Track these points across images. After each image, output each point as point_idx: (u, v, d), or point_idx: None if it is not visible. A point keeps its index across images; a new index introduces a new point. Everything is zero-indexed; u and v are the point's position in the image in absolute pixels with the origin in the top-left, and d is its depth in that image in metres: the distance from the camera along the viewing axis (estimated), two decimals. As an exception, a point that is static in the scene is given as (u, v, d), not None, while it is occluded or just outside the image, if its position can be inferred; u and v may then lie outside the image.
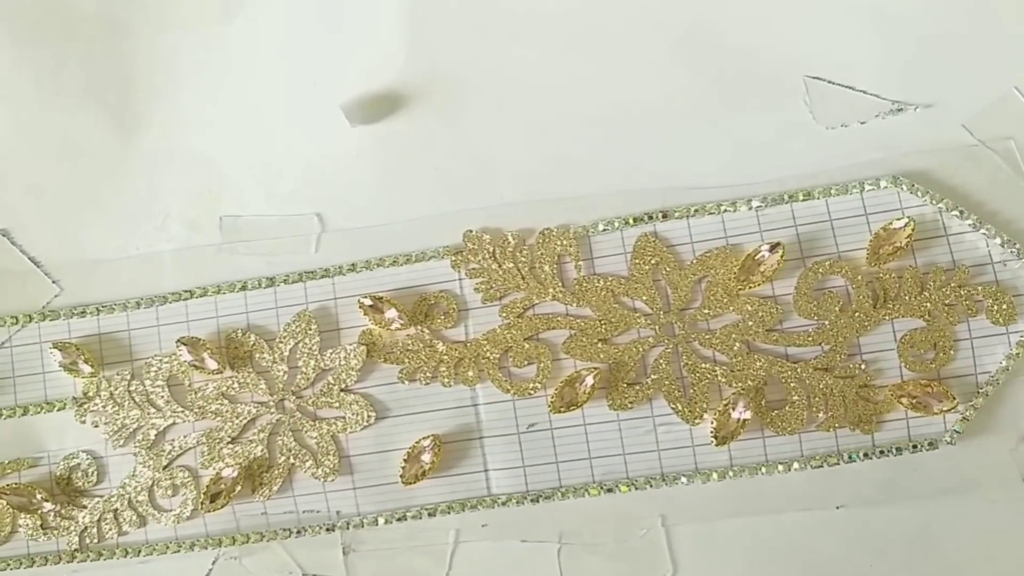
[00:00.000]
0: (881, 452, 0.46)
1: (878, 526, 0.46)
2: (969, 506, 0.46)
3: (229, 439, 0.49)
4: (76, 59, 0.53)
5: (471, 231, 0.49)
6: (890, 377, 0.47)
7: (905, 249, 0.46)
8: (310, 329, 0.49)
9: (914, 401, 0.45)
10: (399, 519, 0.48)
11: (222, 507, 0.48)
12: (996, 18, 0.48)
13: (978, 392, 0.46)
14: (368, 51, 0.52)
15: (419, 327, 0.49)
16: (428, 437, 0.48)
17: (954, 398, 0.45)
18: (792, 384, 0.47)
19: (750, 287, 0.47)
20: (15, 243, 0.52)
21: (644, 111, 0.50)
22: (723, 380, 0.47)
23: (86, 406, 0.50)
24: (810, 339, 0.47)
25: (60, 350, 0.50)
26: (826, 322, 0.47)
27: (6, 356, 0.51)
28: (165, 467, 0.49)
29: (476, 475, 0.48)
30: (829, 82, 0.49)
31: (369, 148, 0.51)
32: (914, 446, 0.46)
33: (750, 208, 0.48)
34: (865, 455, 0.46)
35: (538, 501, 0.48)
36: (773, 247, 0.46)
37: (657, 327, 0.48)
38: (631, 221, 0.49)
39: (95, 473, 0.50)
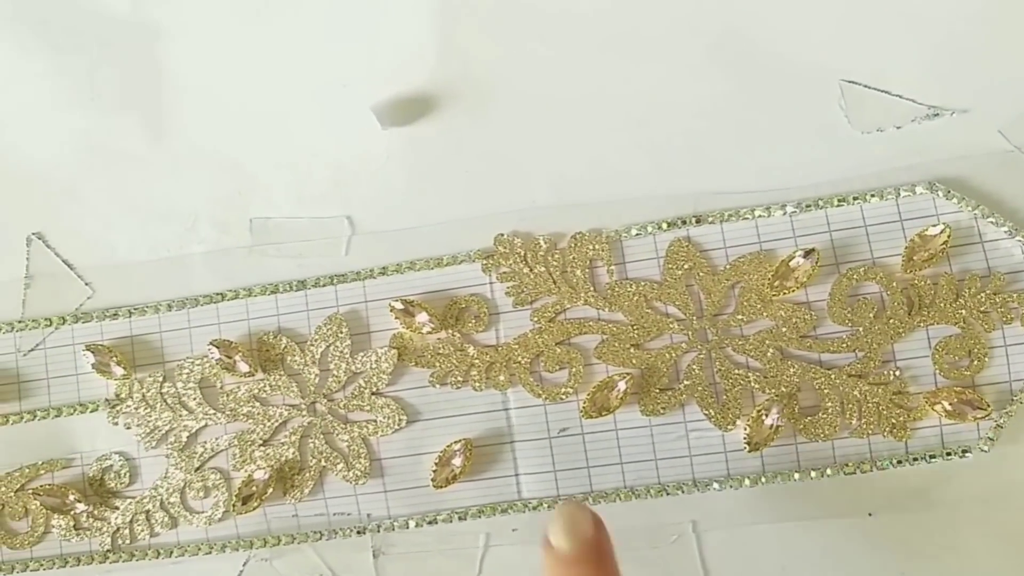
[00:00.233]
0: (914, 459, 0.46)
1: (910, 533, 0.46)
2: (1002, 514, 0.46)
3: (261, 441, 0.49)
4: (110, 64, 0.53)
5: (502, 235, 0.49)
6: (924, 384, 0.46)
7: (940, 256, 0.46)
8: (341, 332, 0.49)
9: (949, 408, 0.45)
10: (430, 522, 0.48)
11: (254, 509, 0.48)
12: (1033, 23, 0.48)
13: (1012, 399, 0.46)
14: (399, 53, 0.51)
15: (450, 331, 0.49)
16: (459, 441, 0.48)
17: (988, 405, 0.45)
18: (825, 391, 0.46)
19: (784, 293, 0.47)
20: (49, 246, 0.52)
21: (677, 114, 0.49)
22: (756, 386, 0.47)
23: (118, 408, 0.50)
24: (844, 346, 0.47)
25: (93, 352, 0.50)
26: (860, 329, 0.46)
27: (40, 358, 0.51)
28: (197, 469, 0.50)
29: (507, 479, 0.48)
30: (864, 86, 0.48)
31: (400, 150, 0.51)
32: (947, 453, 0.46)
33: (784, 213, 0.48)
34: (898, 462, 0.46)
35: (569, 506, 0.48)
36: (807, 253, 0.46)
37: (690, 333, 0.48)
38: (664, 226, 0.48)
39: (127, 474, 0.50)
